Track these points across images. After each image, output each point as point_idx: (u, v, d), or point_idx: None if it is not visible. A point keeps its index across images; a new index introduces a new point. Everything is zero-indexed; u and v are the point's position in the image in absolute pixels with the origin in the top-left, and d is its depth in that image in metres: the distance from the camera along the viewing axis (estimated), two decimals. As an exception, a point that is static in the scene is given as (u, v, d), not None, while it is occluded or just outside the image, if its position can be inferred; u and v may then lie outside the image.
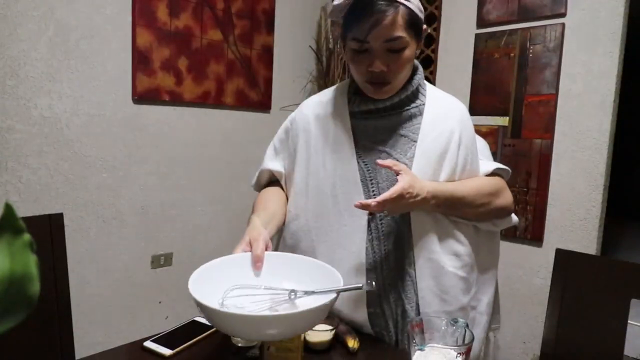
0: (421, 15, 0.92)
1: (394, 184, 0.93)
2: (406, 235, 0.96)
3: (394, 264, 0.96)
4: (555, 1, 1.99)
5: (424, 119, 0.98)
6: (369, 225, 0.96)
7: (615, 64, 1.88)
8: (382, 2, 0.85)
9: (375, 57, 0.89)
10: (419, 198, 0.88)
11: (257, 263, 0.83)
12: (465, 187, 0.96)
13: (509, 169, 1.08)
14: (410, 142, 0.97)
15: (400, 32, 0.87)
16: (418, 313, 0.95)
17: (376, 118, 0.99)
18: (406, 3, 0.87)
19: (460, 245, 0.98)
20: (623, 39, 1.88)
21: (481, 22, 2.23)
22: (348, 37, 0.91)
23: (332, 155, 0.99)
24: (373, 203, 0.84)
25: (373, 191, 0.96)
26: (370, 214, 0.95)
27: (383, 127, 0.98)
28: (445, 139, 0.96)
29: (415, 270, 0.95)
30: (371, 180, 0.97)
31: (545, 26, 2.03)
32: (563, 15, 1.98)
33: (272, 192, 1.10)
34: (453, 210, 0.96)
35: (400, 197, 0.85)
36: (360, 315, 0.97)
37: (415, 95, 1.00)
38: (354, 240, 0.96)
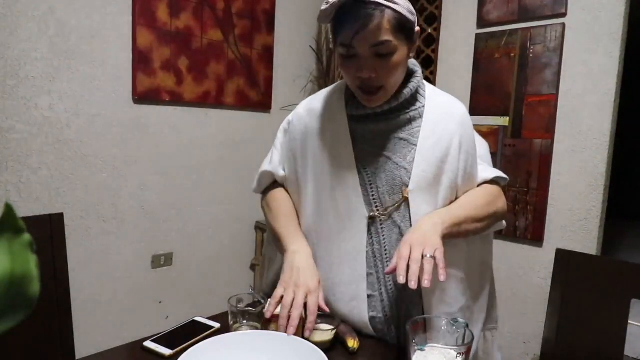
0: (411, 17, 0.88)
1: (394, 189, 0.94)
2: None
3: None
4: (555, 1, 1.99)
5: (424, 122, 0.96)
6: (369, 230, 0.95)
7: (616, 64, 1.88)
8: (368, 7, 0.82)
9: (363, 63, 0.87)
10: (430, 224, 0.87)
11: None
12: (464, 208, 0.94)
13: (507, 177, 1.05)
14: (410, 146, 0.95)
15: (387, 36, 0.84)
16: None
17: (375, 121, 0.97)
18: (393, 6, 0.84)
19: (458, 247, 0.97)
20: (623, 39, 1.88)
21: (481, 22, 2.23)
22: (337, 42, 0.89)
23: (331, 159, 0.98)
24: (412, 277, 0.81)
25: (373, 195, 0.95)
26: (370, 218, 0.95)
27: (382, 131, 0.97)
28: (445, 142, 0.94)
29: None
30: (370, 184, 0.96)
31: (545, 26, 2.03)
32: (563, 15, 1.98)
33: (282, 192, 1.10)
34: (458, 233, 0.94)
35: (407, 247, 0.83)
36: (361, 320, 0.96)
37: (414, 98, 0.98)
38: (354, 245, 0.96)
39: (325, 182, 0.98)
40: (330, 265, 0.98)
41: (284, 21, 2.55)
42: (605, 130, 1.91)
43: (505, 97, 2.16)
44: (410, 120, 0.97)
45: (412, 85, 0.96)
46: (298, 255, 0.92)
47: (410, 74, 0.98)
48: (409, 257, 0.81)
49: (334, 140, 0.99)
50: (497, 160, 2.16)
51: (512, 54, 2.13)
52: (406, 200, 0.93)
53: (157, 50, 2.00)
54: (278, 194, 1.10)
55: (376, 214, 0.95)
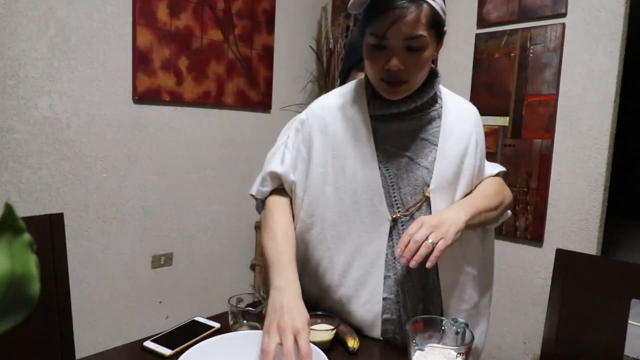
0: (444, 17, 0.89)
1: (415, 189, 0.94)
2: None
3: (416, 269, 0.93)
4: (555, 1, 1.99)
5: (443, 122, 0.97)
6: (390, 232, 0.95)
7: (616, 64, 1.88)
8: None
9: (393, 55, 0.86)
10: (453, 215, 0.88)
11: None
12: (479, 198, 0.97)
13: (505, 169, 1.13)
14: (431, 146, 0.96)
15: (422, 31, 0.84)
16: (441, 315, 0.96)
17: (398, 121, 0.97)
18: (430, 2, 0.84)
19: (471, 244, 0.99)
20: (623, 39, 1.88)
21: (481, 22, 2.23)
22: (367, 32, 0.88)
23: (353, 160, 0.96)
24: (406, 253, 0.83)
25: (394, 197, 0.95)
26: (392, 220, 0.94)
27: (404, 131, 0.97)
28: (464, 141, 0.97)
29: (438, 273, 0.96)
30: (392, 185, 0.95)
31: (545, 26, 2.03)
32: (563, 15, 1.98)
33: (282, 203, 1.03)
34: (480, 222, 0.96)
35: (417, 225, 0.85)
36: (374, 323, 0.96)
37: (433, 98, 0.99)
38: (373, 247, 0.95)
39: (347, 184, 0.96)
40: (347, 269, 0.97)
41: (284, 21, 2.55)
42: (605, 130, 1.91)
43: (505, 97, 2.16)
44: (431, 121, 0.98)
45: (435, 85, 0.98)
46: (282, 292, 0.83)
47: (433, 75, 0.98)
48: (414, 235, 0.83)
49: (356, 140, 0.97)
50: (497, 160, 2.16)
51: (512, 54, 2.13)
52: (427, 199, 0.94)
53: (157, 50, 2.00)
54: (277, 207, 1.02)
55: (398, 215, 0.94)
